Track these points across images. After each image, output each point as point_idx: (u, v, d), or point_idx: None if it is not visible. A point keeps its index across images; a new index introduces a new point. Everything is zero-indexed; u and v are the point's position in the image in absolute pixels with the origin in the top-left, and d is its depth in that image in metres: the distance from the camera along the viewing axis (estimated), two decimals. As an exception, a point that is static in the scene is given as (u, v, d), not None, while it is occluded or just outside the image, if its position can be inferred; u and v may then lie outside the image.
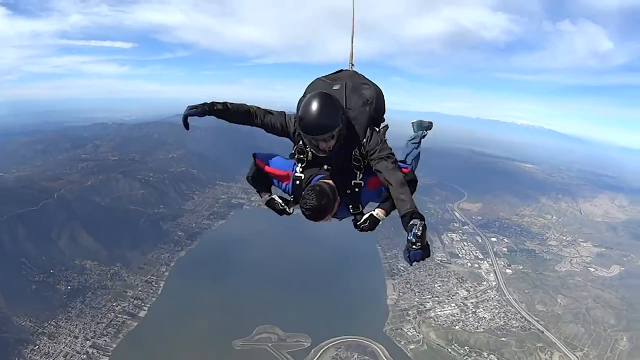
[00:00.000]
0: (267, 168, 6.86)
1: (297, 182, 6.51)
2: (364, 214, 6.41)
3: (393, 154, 6.21)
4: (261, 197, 7.06)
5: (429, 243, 5.20)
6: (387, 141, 6.38)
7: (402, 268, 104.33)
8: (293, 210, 6.76)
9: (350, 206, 6.42)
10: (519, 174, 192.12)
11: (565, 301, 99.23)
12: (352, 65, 7.84)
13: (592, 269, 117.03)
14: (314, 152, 6.14)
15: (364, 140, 6.16)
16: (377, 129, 6.65)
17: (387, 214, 6.38)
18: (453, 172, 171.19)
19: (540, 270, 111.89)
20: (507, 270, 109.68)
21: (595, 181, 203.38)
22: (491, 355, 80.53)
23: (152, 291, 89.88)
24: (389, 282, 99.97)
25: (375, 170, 6.03)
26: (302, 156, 6.44)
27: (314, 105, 5.70)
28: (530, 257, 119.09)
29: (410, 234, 5.13)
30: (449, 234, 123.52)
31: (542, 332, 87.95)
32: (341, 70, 7.35)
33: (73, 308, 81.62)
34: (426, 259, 5.19)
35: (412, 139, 8.98)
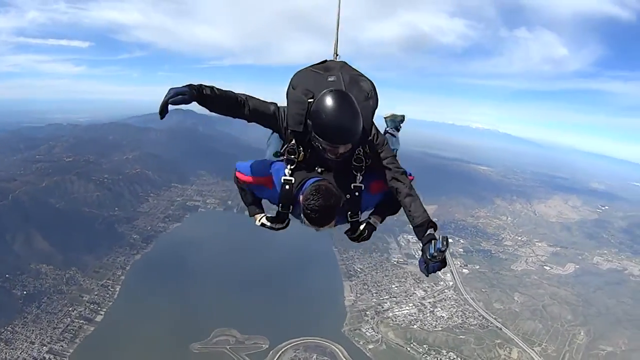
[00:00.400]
0: (245, 178, 6.09)
1: (287, 186, 5.56)
2: (361, 223, 5.93)
3: (395, 155, 5.93)
4: (253, 215, 6.42)
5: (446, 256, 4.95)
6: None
7: (358, 269, 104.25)
8: (287, 223, 6.12)
9: (350, 213, 5.71)
10: (474, 176, 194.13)
11: (522, 299, 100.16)
12: (337, 55, 7.02)
13: (547, 268, 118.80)
14: (327, 156, 5.38)
15: (370, 138, 5.66)
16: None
17: (382, 220, 6.16)
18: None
19: (496, 270, 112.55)
20: (464, 270, 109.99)
21: (549, 183, 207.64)
22: (450, 353, 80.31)
23: (108, 295, 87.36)
24: (346, 283, 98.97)
25: (379, 172, 5.70)
26: (292, 157, 5.59)
27: (341, 109, 5.07)
28: (486, 257, 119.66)
29: (431, 247, 4.97)
30: (404, 236, 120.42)
31: (500, 329, 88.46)
32: (326, 61, 6.51)
33: (29, 313, 78.78)
34: (442, 269, 5.11)
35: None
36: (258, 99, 5.71)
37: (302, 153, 5.57)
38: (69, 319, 79.31)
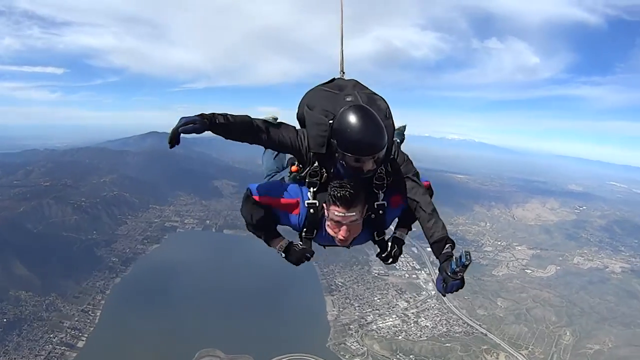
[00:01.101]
0: (270, 200, 5.58)
1: (312, 210, 5.40)
2: (387, 240, 5.79)
3: (418, 172, 5.69)
4: (273, 244, 5.85)
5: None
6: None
7: (339, 283, 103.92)
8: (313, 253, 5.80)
9: (376, 232, 5.63)
10: (452, 185, 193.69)
11: (505, 304, 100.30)
12: (344, 72, 6.71)
13: (528, 271, 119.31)
14: (354, 173, 5.03)
15: (392, 155, 5.51)
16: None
17: (408, 231, 6.02)
18: None
19: (478, 276, 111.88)
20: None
21: (526, 187, 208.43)
22: (437, 362, 79.19)
23: (89, 320, 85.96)
24: (328, 298, 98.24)
25: (400, 189, 5.48)
26: (315, 179, 5.34)
27: (366, 121, 4.81)
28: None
29: (453, 263, 4.69)
30: None
31: (486, 335, 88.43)
32: (334, 79, 6.22)
33: (10, 341, 77.28)
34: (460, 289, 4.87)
35: None
36: (272, 122, 5.47)
37: (326, 175, 5.32)
38: (50, 345, 77.98)
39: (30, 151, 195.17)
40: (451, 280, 4.70)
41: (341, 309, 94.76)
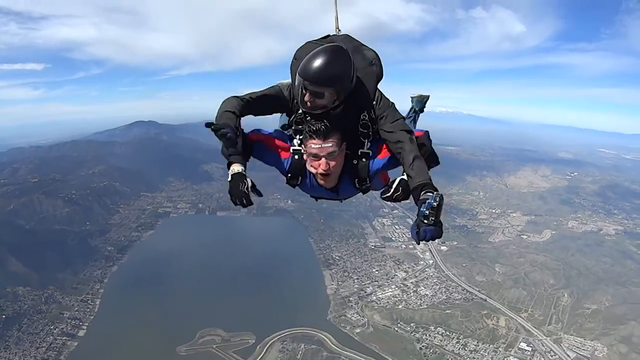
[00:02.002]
0: (262, 136, 5.92)
1: (297, 156, 5.72)
2: (394, 180, 5.75)
3: (404, 118, 5.78)
4: (231, 164, 5.57)
5: (442, 221, 4.46)
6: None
7: (337, 257, 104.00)
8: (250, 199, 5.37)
9: (357, 180, 5.77)
10: (443, 157, 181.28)
11: (503, 269, 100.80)
12: (339, 30, 6.79)
13: (524, 237, 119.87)
14: (306, 108, 5.38)
15: (374, 102, 5.62)
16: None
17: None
18: None
19: (474, 244, 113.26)
20: (442, 248, 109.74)
21: (517, 156, 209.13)
22: (438, 328, 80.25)
23: (88, 310, 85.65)
24: (326, 272, 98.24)
25: (384, 136, 5.55)
26: (301, 127, 5.60)
27: (327, 53, 5.05)
28: (463, 232, 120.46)
29: (423, 206, 4.48)
30: (379, 220, 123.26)
31: (485, 300, 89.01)
32: (329, 35, 6.36)
33: (10, 337, 76.86)
34: (436, 239, 4.49)
35: (407, 116, 8.43)
36: (260, 91, 5.70)
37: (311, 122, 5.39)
38: (51, 337, 77.61)
39: (16, 149, 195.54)
40: (423, 226, 4.44)
41: (340, 282, 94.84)
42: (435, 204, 4.35)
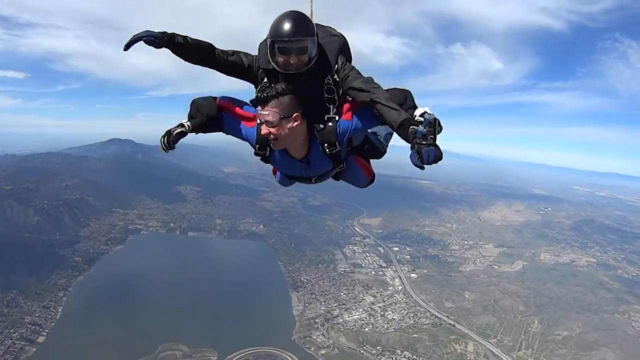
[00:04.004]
0: (229, 105, 5.89)
1: (258, 121, 5.55)
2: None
3: (371, 78, 5.49)
4: (183, 124, 5.59)
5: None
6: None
7: (305, 280, 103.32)
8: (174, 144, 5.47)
9: (326, 145, 5.60)
10: (417, 190, 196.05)
11: (473, 296, 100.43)
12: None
13: (496, 267, 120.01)
14: (281, 68, 5.37)
15: (336, 66, 5.59)
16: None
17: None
18: (350, 192, 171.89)
19: (445, 272, 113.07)
20: (412, 275, 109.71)
21: (491, 192, 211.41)
22: (405, 352, 78.98)
23: (50, 316, 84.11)
24: (294, 294, 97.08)
25: (353, 94, 5.44)
26: (259, 94, 5.46)
27: (289, 13, 5.24)
28: (433, 261, 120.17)
29: (420, 127, 4.39)
30: (350, 247, 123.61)
31: (454, 325, 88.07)
32: None
33: (-33, 337, 76.43)
34: (439, 160, 4.28)
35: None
36: (237, 51, 5.80)
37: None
38: (10, 340, 76.30)
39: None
40: (424, 147, 4.24)
41: (307, 304, 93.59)
42: (432, 119, 4.33)
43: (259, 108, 5.27)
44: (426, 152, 4.18)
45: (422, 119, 4.48)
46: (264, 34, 5.55)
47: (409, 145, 4.50)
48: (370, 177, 6.82)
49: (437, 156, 4.21)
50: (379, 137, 6.63)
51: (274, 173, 7.16)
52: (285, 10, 5.36)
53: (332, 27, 6.08)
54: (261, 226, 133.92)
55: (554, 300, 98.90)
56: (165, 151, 5.36)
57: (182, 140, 5.21)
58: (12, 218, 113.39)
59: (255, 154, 5.90)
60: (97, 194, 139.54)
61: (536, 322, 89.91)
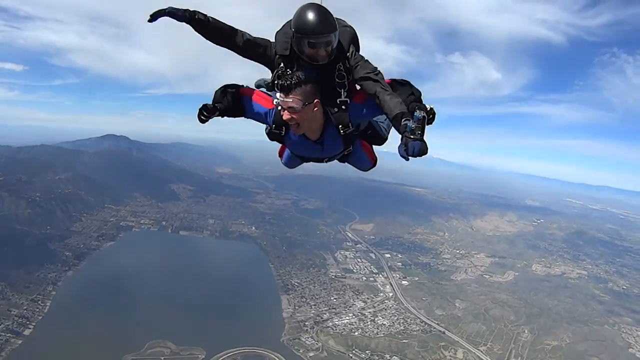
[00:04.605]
0: (252, 92, 6.39)
1: (279, 107, 5.92)
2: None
3: (376, 68, 5.92)
4: (216, 101, 6.12)
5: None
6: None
7: (296, 284, 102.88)
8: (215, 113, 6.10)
9: (340, 126, 6.09)
10: (410, 197, 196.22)
11: (463, 305, 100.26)
12: None
13: (487, 276, 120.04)
14: (309, 59, 5.83)
15: (348, 54, 5.99)
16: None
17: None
18: (344, 196, 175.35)
19: (436, 280, 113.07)
20: (403, 282, 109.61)
21: (484, 201, 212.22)
22: (394, 357, 78.89)
23: (38, 310, 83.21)
24: (284, 297, 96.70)
25: (360, 82, 5.89)
26: (281, 81, 5.74)
27: (315, 9, 5.57)
28: (425, 269, 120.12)
29: (410, 122, 4.89)
30: (342, 252, 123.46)
31: (444, 332, 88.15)
32: None
33: (-48, 327, 75.71)
34: (423, 154, 4.82)
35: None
36: (256, 37, 6.23)
37: (290, 77, 5.67)
38: None
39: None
40: (410, 141, 4.74)
41: (297, 307, 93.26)
42: (421, 116, 4.83)
43: (280, 95, 5.61)
44: (412, 145, 4.71)
45: (414, 114, 4.93)
46: (268, 36, 6.16)
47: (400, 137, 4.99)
48: (373, 161, 7.36)
49: (422, 150, 4.71)
50: (381, 124, 6.99)
51: (280, 155, 7.68)
52: (304, 2, 5.72)
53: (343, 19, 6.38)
54: (253, 228, 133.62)
55: (544, 311, 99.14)
56: (203, 120, 5.92)
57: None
58: (3, 209, 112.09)
59: (271, 132, 6.38)
60: (89, 189, 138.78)
61: (526, 332, 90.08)
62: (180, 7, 5.57)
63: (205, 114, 5.86)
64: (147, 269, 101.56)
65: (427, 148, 4.75)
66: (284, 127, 6.17)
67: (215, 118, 6.17)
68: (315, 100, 5.72)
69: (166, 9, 5.44)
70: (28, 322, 79.10)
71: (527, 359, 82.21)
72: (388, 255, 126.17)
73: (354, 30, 6.32)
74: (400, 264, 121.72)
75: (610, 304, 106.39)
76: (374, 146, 7.43)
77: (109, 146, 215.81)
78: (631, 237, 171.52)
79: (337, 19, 5.99)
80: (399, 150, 5.03)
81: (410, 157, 4.87)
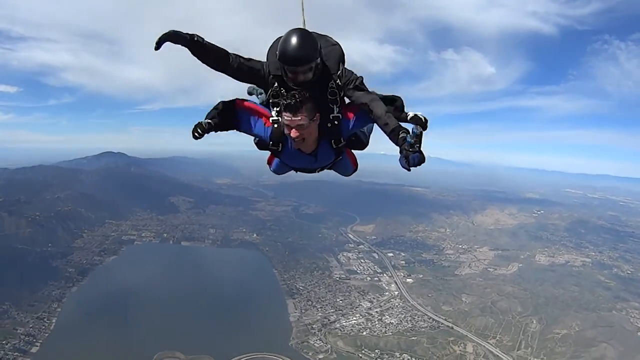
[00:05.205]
0: (249, 104, 6.64)
1: (275, 125, 6.36)
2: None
3: (362, 78, 6.35)
4: (210, 118, 6.21)
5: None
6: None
7: (300, 288, 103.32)
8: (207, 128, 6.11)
9: (333, 141, 6.46)
10: (410, 197, 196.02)
11: (470, 299, 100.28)
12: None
13: (491, 270, 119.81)
14: (291, 82, 6.09)
15: (339, 72, 6.24)
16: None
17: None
18: (343, 200, 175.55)
19: (440, 276, 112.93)
20: (408, 280, 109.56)
21: (484, 197, 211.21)
22: (404, 354, 78.88)
23: (44, 327, 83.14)
24: (290, 301, 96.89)
25: (353, 98, 6.20)
26: (277, 100, 6.26)
27: (296, 38, 5.79)
28: (429, 266, 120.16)
29: (408, 137, 5.28)
30: (344, 254, 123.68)
31: (452, 327, 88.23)
32: None
33: (-41, 349, 75.02)
34: (422, 164, 5.27)
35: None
36: (250, 59, 6.40)
37: (285, 97, 5.95)
38: (2, 352, 75.38)
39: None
40: (411, 154, 5.19)
41: (303, 311, 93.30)
42: (418, 132, 5.25)
43: (288, 114, 5.80)
44: (412, 157, 5.18)
45: (409, 131, 5.35)
46: (259, 44, 6.45)
47: (398, 149, 5.39)
48: (355, 166, 7.70)
49: (421, 160, 5.20)
50: (363, 131, 7.26)
51: (269, 163, 7.83)
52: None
53: (328, 35, 6.66)
54: (255, 235, 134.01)
55: (551, 300, 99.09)
56: (197, 137, 5.94)
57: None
58: (4, 229, 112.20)
59: (270, 148, 6.67)
60: (89, 206, 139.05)
61: (534, 322, 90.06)
62: (183, 32, 5.72)
63: (200, 131, 5.95)
64: (151, 280, 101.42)
65: (424, 158, 5.20)
66: (280, 144, 6.45)
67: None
68: (317, 115, 6.03)
69: (169, 32, 5.57)
70: (35, 340, 79.18)
71: (537, 348, 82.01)
72: (391, 254, 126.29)
73: (340, 47, 6.53)
74: (403, 262, 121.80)
75: (617, 289, 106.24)
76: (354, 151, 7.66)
77: (106, 163, 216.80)
78: (632, 222, 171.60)
79: (323, 36, 6.48)
80: (400, 163, 5.46)
81: (411, 168, 5.32)
